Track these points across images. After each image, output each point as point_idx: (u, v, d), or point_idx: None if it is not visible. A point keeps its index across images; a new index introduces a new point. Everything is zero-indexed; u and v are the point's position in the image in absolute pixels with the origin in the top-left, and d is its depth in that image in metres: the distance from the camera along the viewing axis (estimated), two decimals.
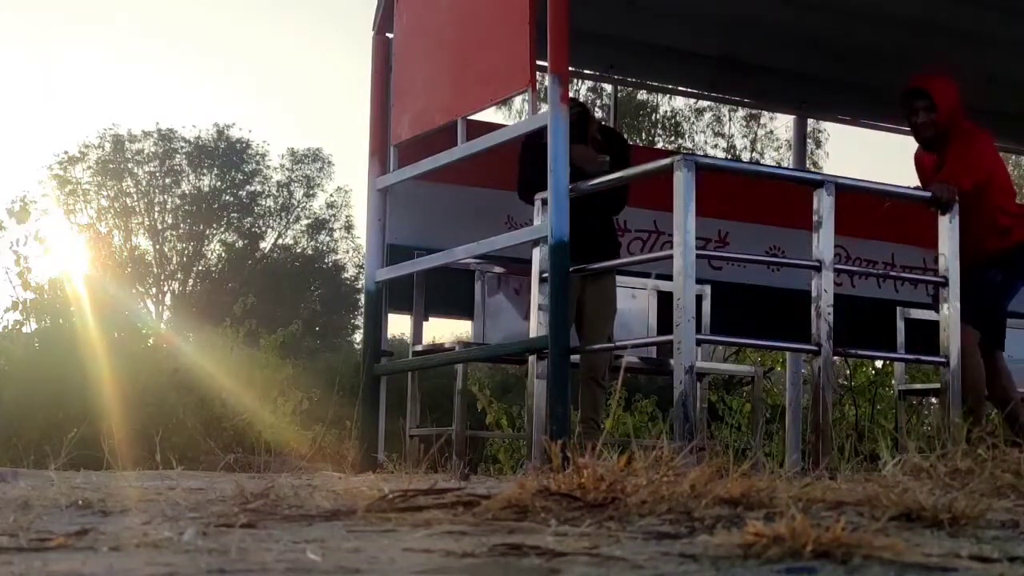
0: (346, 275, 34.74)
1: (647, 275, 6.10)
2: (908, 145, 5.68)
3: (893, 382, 8.15)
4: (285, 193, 34.89)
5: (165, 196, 33.43)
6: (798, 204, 4.98)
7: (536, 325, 4.80)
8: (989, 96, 7.00)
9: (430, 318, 6.28)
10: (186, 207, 33.54)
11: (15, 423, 6.48)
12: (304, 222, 35.18)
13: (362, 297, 6.33)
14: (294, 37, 50.68)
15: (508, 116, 22.85)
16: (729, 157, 25.80)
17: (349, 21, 49.32)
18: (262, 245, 35.06)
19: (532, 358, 4.76)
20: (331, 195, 35.36)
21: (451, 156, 5.01)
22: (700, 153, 24.39)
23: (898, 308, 6.76)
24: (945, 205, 4.86)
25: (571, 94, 5.23)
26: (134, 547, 1.84)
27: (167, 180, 33.34)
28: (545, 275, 4.55)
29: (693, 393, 4.14)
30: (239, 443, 7.14)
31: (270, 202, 34.87)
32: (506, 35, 4.68)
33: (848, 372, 10.09)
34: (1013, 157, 23.14)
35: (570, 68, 4.76)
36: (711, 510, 2.18)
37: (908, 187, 5.29)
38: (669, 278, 4.26)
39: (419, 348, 6.10)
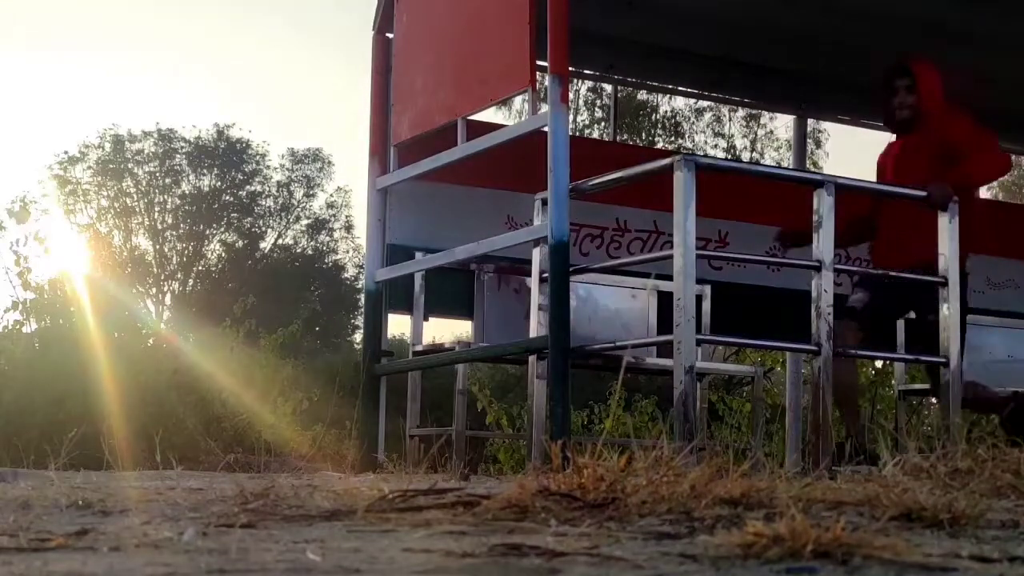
0: (346, 275, 34.76)
1: (647, 275, 6.09)
2: None
3: (893, 382, 8.14)
4: (285, 193, 34.89)
5: (165, 196, 33.42)
6: (798, 204, 4.97)
7: (536, 325, 4.80)
8: (989, 96, 7.00)
9: (430, 318, 6.28)
10: (186, 207, 33.53)
11: (15, 423, 6.47)
12: (304, 222, 35.19)
13: (362, 297, 6.33)
14: (294, 37, 50.69)
15: (508, 116, 22.85)
16: (729, 157, 25.78)
17: (349, 21, 49.32)
18: (262, 245, 35.05)
19: (532, 358, 4.76)
20: (331, 195, 35.40)
21: (451, 156, 5.01)
22: (700, 153, 24.38)
23: None
24: (942, 206, 4.85)
25: (571, 94, 5.23)
26: (134, 547, 1.84)
27: (167, 180, 33.33)
28: (545, 275, 4.55)
29: (693, 393, 4.13)
30: (239, 443, 7.15)
31: (270, 202, 34.88)
32: (506, 35, 4.68)
33: None
34: (1013, 157, 23.13)
35: (570, 68, 4.76)
36: (711, 510, 2.18)
37: (908, 187, 5.29)
38: (669, 278, 4.25)
39: (419, 348, 6.10)
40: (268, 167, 34.74)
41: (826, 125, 23.34)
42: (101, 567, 1.62)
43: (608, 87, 9.27)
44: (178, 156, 33.59)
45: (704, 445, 3.82)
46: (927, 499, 2.17)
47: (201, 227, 33.61)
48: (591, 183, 4.72)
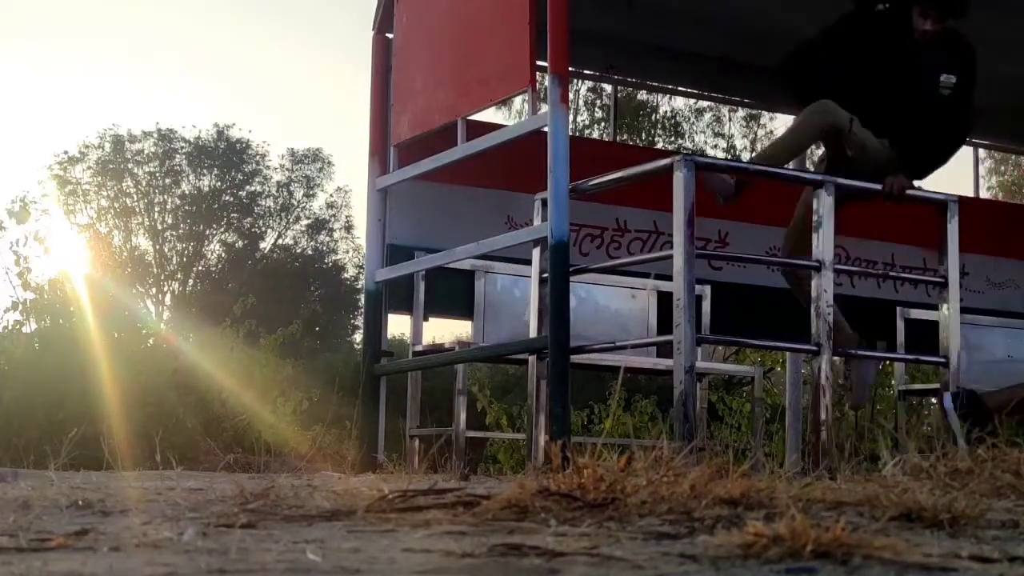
0: (346, 275, 34.75)
1: (647, 275, 6.09)
2: None
3: (893, 382, 8.14)
4: (285, 193, 34.88)
5: (165, 196, 33.42)
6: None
7: (536, 325, 4.80)
8: (989, 96, 6.99)
9: (430, 318, 6.28)
10: (186, 207, 33.53)
11: (15, 423, 6.47)
12: (304, 222, 35.18)
13: (362, 297, 6.33)
14: (294, 37, 50.70)
15: (508, 116, 22.85)
16: (729, 157, 25.78)
17: (349, 21, 49.33)
18: (262, 245, 35.05)
19: (532, 358, 4.76)
20: (331, 195, 35.40)
21: (451, 156, 5.00)
22: (700, 153, 24.39)
23: (898, 308, 6.76)
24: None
25: (571, 94, 5.23)
26: (134, 547, 1.84)
27: (167, 180, 33.32)
28: (545, 275, 4.55)
29: (693, 393, 4.13)
30: (239, 443, 7.15)
31: (270, 202, 34.87)
32: (506, 35, 4.68)
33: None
34: (1013, 157, 23.14)
35: (570, 68, 4.76)
36: (711, 510, 2.18)
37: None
38: (669, 278, 4.25)
39: (419, 348, 6.10)
40: (268, 167, 34.77)
41: None
42: (101, 567, 1.62)
43: (608, 87, 9.29)
44: (178, 156, 33.58)
45: (704, 445, 3.82)
46: (927, 499, 2.17)
47: (201, 227, 33.60)
48: (591, 183, 4.71)
